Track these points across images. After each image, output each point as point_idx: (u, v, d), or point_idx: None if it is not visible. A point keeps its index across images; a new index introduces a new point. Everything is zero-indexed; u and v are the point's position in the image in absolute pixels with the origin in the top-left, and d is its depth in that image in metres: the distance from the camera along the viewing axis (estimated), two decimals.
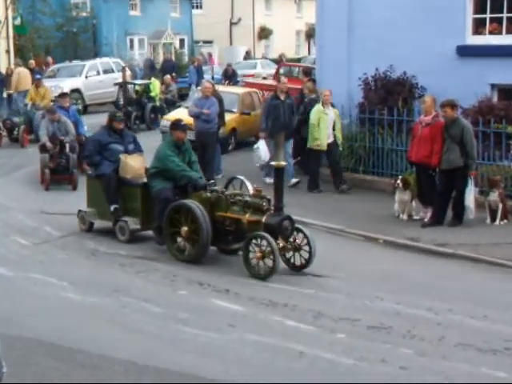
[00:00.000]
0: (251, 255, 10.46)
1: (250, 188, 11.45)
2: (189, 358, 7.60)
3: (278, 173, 10.62)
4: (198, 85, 26.78)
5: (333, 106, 15.95)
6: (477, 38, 16.27)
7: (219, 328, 8.45)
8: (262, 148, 16.14)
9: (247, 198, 10.93)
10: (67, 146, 16.38)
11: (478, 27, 16.19)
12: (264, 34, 53.09)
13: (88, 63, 31.12)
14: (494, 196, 13.10)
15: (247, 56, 46.90)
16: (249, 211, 10.76)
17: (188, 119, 15.69)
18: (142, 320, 8.64)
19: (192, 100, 19.80)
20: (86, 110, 29.07)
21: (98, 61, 31.99)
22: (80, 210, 12.66)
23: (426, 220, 13.33)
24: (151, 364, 7.38)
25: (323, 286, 10.22)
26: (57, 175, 16.23)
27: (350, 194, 15.39)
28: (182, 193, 11.57)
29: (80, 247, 11.76)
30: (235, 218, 10.87)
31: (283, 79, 17.81)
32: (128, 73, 26.66)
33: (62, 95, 18.71)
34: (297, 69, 29.08)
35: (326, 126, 15.52)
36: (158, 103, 25.54)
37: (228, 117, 19.17)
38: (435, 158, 13.03)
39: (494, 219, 13.13)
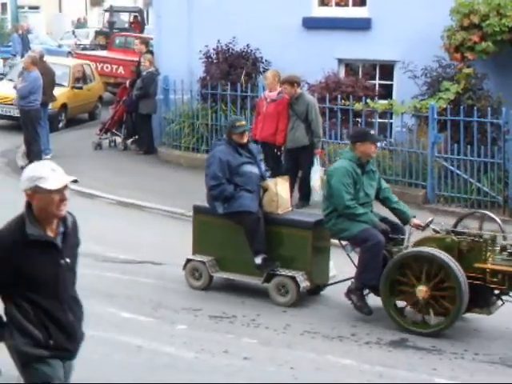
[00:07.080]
0: None
1: (500, 223, 9.06)
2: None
3: None
4: (23, 55, 26.01)
5: None
6: (323, 9, 16.69)
7: None
8: None
9: None
10: None
11: None
12: (97, 0, 52.29)
13: None
14: None
15: (79, 24, 46.08)
16: None
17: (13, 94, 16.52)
18: None
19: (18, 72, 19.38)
20: None
21: None
22: (190, 260, 9.77)
23: None
24: None
25: (163, 274, 10.25)
26: None
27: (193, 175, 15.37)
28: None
29: None
30: None
31: None
32: None
33: None
34: (133, 39, 28.87)
35: None
36: None
37: (58, 91, 18.85)
38: (280, 136, 13.31)
39: None
